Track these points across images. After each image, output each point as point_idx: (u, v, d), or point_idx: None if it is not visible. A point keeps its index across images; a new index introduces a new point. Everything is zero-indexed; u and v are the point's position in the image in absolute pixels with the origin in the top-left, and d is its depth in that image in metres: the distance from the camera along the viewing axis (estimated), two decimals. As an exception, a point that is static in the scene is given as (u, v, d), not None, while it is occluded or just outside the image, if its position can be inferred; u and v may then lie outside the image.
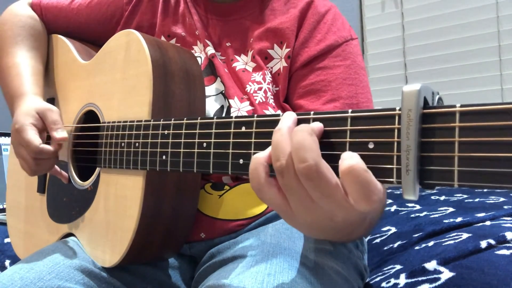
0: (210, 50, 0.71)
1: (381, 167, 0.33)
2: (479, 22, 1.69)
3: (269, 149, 0.37)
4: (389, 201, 1.21)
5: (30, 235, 0.80)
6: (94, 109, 0.69)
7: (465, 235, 0.69)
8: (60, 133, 0.65)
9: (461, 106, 0.29)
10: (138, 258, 0.61)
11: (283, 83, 0.69)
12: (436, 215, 0.91)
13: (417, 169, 0.30)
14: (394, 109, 0.32)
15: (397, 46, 1.87)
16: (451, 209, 0.95)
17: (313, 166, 0.33)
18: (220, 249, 0.62)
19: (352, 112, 0.35)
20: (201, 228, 0.65)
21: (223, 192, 0.65)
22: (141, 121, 0.56)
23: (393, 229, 0.90)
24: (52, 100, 0.80)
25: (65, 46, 0.80)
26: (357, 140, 0.34)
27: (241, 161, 0.42)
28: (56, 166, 0.70)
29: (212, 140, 0.45)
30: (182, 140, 0.49)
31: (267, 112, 0.66)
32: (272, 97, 0.69)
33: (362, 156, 0.33)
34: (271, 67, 0.70)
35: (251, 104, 0.67)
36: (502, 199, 1.02)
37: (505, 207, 0.90)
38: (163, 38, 0.73)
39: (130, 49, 0.62)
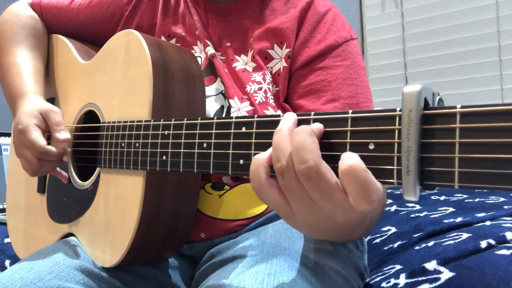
0: (210, 50, 0.71)
1: (381, 168, 0.33)
2: (479, 22, 1.69)
3: (270, 150, 0.37)
4: (389, 201, 1.21)
5: (30, 235, 0.80)
6: (94, 109, 0.69)
7: (465, 235, 0.69)
8: (63, 134, 0.65)
9: (462, 107, 0.29)
10: (138, 258, 0.61)
11: (283, 83, 0.69)
12: (436, 215, 0.91)
13: (417, 170, 0.30)
14: (394, 110, 0.32)
15: (397, 46, 1.87)
16: (451, 209, 0.95)
17: (313, 167, 0.33)
18: (220, 249, 0.62)
19: (352, 112, 0.35)
20: (201, 228, 0.65)
21: (223, 192, 0.65)
22: (141, 121, 0.56)
23: (393, 229, 0.90)
24: (52, 100, 0.80)
25: (65, 46, 0.80)
26: (357, 141, 0.34)
27: (241, 161, 0.42)
28: (56, 167, 0.70)
29: (213, 141, 0.45)
30: (182, 141, 0.49)
31: (267, 112, 0.66)
32: (272, 97, 0.69)
33: (363, 157, 0.33)
34: (271, 67, 0.70)
35: (251, 104, 0.67)
36: (502, 199, 1.02)
37: (505, 207, 0.90)
38: (163, 38, 0.73)
39: (130, 49, 0.62)
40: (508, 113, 0.27)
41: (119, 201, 0.60)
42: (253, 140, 0.41)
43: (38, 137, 0.64)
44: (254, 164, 0.37)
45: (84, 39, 0.83)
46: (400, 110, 0.32)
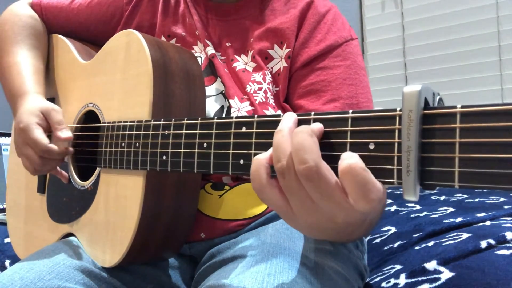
0: (210, 50, 0.71)
1: (381, 167, 0.33)
2: (479, 22, 1.69)
3: (270, 150, 0.37)
4: (389, 201, 1.21)
5: (30, 235, 0.80)
6: (94, 109, 0.69)
7: (465, 235, 0.69)
8: (65, 133, 0.65)
9: (462, 107, 0.29)
10: (138, 258, 0.61)
11: (283, 83, 0.69)
12: (436, 215, 0.91)
13: (417, 170, 0.30)
14: (394, 110, 0.32)
15: (397, 46, 1.87)
16: (451, 209, 0.95)
17: (313, 167, 0.33)
18: (220, 249, 0.62)
19: (352, 112, 0.35)
20: (201, 228, 0.65)
21: (223, 192, 0.65)
22: (141, 121, 0.56)
23: (393, 229, 0.90)
24: (52, 100, 0.80)
25: (65, 46, 0.80)
26: (357, 140, 0.34)
27: (241, 161, 0.42)
28: (57, 166, 0.70)
29: (213, 141, 0.45)
30: (183, 141, 0.49)
31: (267, 112, 0.66)
32: (272, 97, 0.69)
33: (363, 157, 0.33)
34: (271, 67, 0.70)
35: (251, 104, 0.67)
36: (502, 199, 1.02)
37: (505, 207, 0.90)
38: (163, 38, 0.73)
39: (130, 49, 0.62)
40: (508, 113, 0.27)
41: (119, 201, 0.60)
42: (253, 140, 0.41)
43: (40, 135, 0.64)
44: (254, 165, 0.37)
45: (84, 39, 0.83)
46: (400, 110, 0.32)
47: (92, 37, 0.82)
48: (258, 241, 0.58)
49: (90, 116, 0.71)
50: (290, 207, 0.37)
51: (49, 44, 0.84)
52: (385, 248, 0.83)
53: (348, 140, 0.35)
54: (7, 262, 0.91)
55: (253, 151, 0.41)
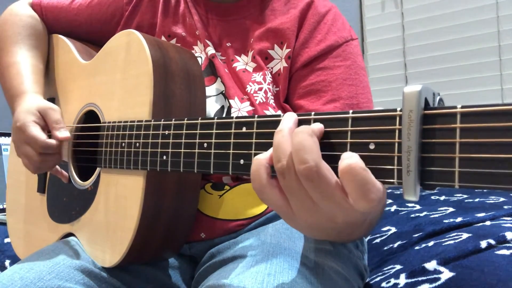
0: (211, 50, 0.71)
1: (381, 167, 0.33)
2: (479, 22, 1.69)
3: (270, 150, 0.37)
4: (389, 201, 1.21)
5: (30, 235, 0.80)
6: (95, 109, 0.69)
7: (465, 235, 0.69)
8: (62, 133, 0.65)
9: (462, 107, 0.29)
10: (138, 258, 0.61)
11: (283, 83, 0.69)
12: (436, 215, 0.91)
13: (418, 170, 0.30)
14: (395, 110, 0.32)
15: (397, 46, 1.87)
16: (451, 209, 0.95)
17: (314, 167, 0.33)
18: (220, 249, 0.62)
19: (353, 113, 0.35)
20: (201, 228, 0.65)
21: (223, 192, 0.65)
22: (141, 121, 0.56)
23: (393, 229, 0.90)
24: (52, 100, 0.80)
25: (65, 46, 0.80)
26: (357, 140, 0.34)
27: (241, 161, 0.42)
28: (56, 166, 0.70)
29: (213, 141, 0.45)
30: (183, 141, 0.49)
31: (268, 113, 0.66)
32: (273, 97, 0.69)
33: (363, 157, 0.33)
34: (271, 68, 0.70)
35: (252, 104, 0.67)
36: (502, 199, 1.02)
37: (505, 207, 0.90)
38: (163, 38, 0.73)
39: (130, 49, 0.63)
40: (508, 113, 0.27)
41: (119, 201, 0.60)
42: (254, 140, 0.41)
43: (38, 132, 0.64)
44: (255, 165, 0.37)
45: (84, 39, 0.83)
46: (401, 110, 0.32)
47: (92, 37, 0.82)
48: (258, 241, 0.58)
49: (90, 116, 0.71)
50: (290, 207, 0.37)
51: (49, 44, 0.84)
52: (385, 248, 0.83)
53: (348, 140, 0.35)
54: (7, 262, 0.91)
55: (253, 151, 0.41)
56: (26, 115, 0.66)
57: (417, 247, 0.74)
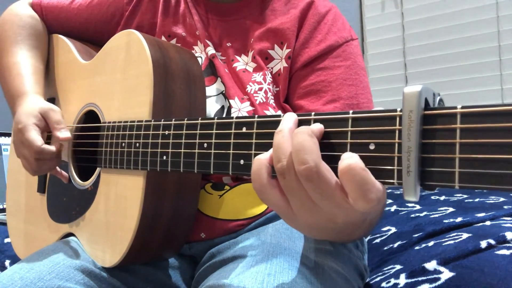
0: (211, 50, 0.71)
1: (382, 168, 0.33)
2: (479, 22, 1.69)
3: (271, 151, 0.37)
4: (389, 201, 1.21)
5: (30, 235, 0.80)
6: (95, 109, 0.69)
7: (465, 235, 0.69)
8: (63, 133, 0.65)
9: (462, 107, 0.29)
10: (138, 258, 0.61)
11: (283, 83, 0.69)
12: (436, 215, 0.91)
13: (418, 170, 0.30)
14: (395, 110, 0.32)
15: (397, 46, 1.87)
16: (451, 209, 0.95)
17: (313, 168, 0.33)
18: (220, 249, 0.62)
19: (353, 113, 0.35)
20: (201, 228, 0.65)
21: (223, 192, 0.65)
22: (141, 121, 0.56)
23: (393, 229, 0.90)
24: (52, 100, 0.80)
25: (65, 46, 0.80)
26: (358, 141, 0.34)
27: (241, 161, 0.42)
28: (56, 167, 0.70)
29: (213, 141, 0.45)
30: (183, 141, 0.49)
31: (268, 113, 0.66)
32: (273, 97, 0.69)
33: (363, 157, 0.33)
34: (272, 68, 0.70)
35: (252, 104, 0.67)
36: (502, 199, 1.02)
37: (505, 207, 0.90)
38: (163, 38, 0.73)
39: (130, 49, 0.63)
40: (508, 114, 0.27)
41: (119, 201, 0.60)
42: (254, 140, 0.41)
43: (35, 136, 0.64)
44: (256, 165, 0.37)
45: (84, 39, 0.83)
46: (401, 111, 0.32)
47: (92, 37, 0.82)
48: (258, 241, 0.58)
49: (90, 116, 0.71)
50: (290, 207, 0.37)
51: (50, 44, 0.84)
52: (385, 248, 0.83)
53: (349, 140, 0.35)
54: (7, 262, 0.91)
55: (253, 151, 0.41)
56: (27, 117, 0.66)
57: (417, 247, 0.74)
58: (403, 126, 0.31)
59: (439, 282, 0.57)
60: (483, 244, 0.62)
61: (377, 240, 0.88)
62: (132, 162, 0.57)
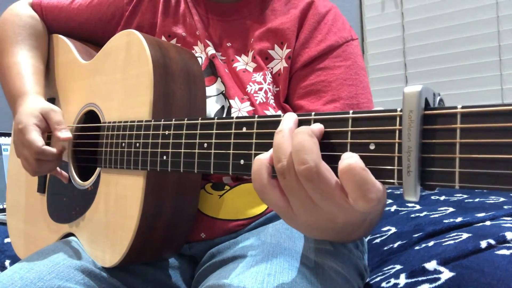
0: (211, 50, 0.71)
1: (382, 168, 0.33)
2: (479, 22, 1.69)
3: (271, 151, 0.37)
4: (389, 201, 1.21)
5: (30, 235, 0.80)
6: (95, 109, 0.69)
7: (465, 235, 0.69)
8: (64, 133, 0.65)
9: (462, 107, 0.29)
10: (138, 258, 0.61)
11: (283, 83, 0.69)
12: (436, 215, 0.91)
13: (418, 170, 0.30)
14: (395, 110, 0.32)
15: (397, 46, 1.87)
16: (451, 209, 0.95)
17: (313, 168, 0.33)
18: (220, 249, 0.62)
19: (353, 113, 0.35)
20: (201, 228, 0.65)
21: (223, 192, 0.65)
22: (141, 121, 0.56)
23: (393, 229, 0.90)
24: (52, 100, 0.80)
25: (65, 46, 0.80)
26: (358, 141, 0.34)
27: (242, 161, 0.42)
28: (56, 167, 0.70)
29: (213, 141, 0.45)
30: (183, 141, 0.49)
31: (268, 113, 0.66)
32: (273, 97, 0.69)
33: (363, 157, 0.33)
34: (272, 68, 0.70)
35: (252, 104, 0.67)
36: (502, 199, 1.02)
37: (505, 207, 0.90)
38: (163, 38, 0.73)
39: (130, 49, 0.63)
40: (508, 113, 0.27)
41: (119, 201, 0.60)
42: (254, 140, 0.41)
43: (36, 137, 0.64)
44: (256, 165, 0.37)
45: (84, 39, 0.83)
46: (401, 111, 0.32)
47: (92, 37, 0.82)
48: (258, 241, 0.58)
49: (90, 116, 0.71)
50: (290, 207, 0.37)
51: (50, 44, 0.84)
52: (385, 248, 0.83)
53: (349, 140, 0.35)
54: (7, 262, 0.91)
55: (253, 152, 0.41)
56: (28, 117, 0.66)
57: (417, 247, 0.74)
58: (403, 126, 0.31)
59: (439, 282, 0.57)
60: (483, 244, 0.62)
61: (377, 240, 0.88)
62: (132, 162, 0.57)
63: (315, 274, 0.50)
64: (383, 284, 0.65)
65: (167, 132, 0.51)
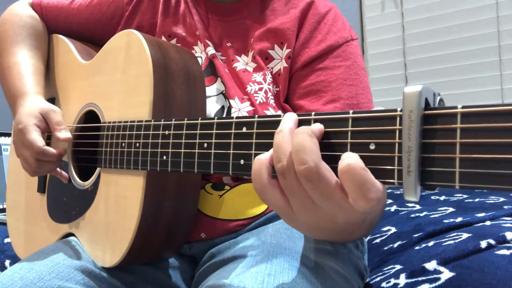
0: (211, 50, 0.71)
1: (382, 168, 0.33)
2: (479, 22, 1.69)
3: (271, 151, 0.37)
4: (389, 201, 1.21)
5: (30, 235, 0.80)
6: (95, 109, 0.69)
7: (465, 235, 0.69)
8: (64, 134, 0.65)
9: (462, 107, 0.29)
10: (138, 258, 0.61)
11: (283, 83, 0.69)
12: (436, 215, 0.91)
13: (418, 170, 0.30)
14: (395, 110, 0.32)
15: (397, 46, 1.87)
16: (451, 209, 0.95)
17: (313, 168, 0.33)
18: (220, 249, 0.62)
19: (353, 113, 0.35)
20: (201, 228, 0.65)
21: (223, 192, 0.65)
22: (141, 121, 0.56)
23: (393, 229, 0.90)
24: (52, 100, 0.80)
25: (65, 46, 0.80)
26: (358, 141, 0.34)
27: (242, 161, 0.42)
28: (56, 168, 0.70)
29: (213, 141, 0.45)
30: (183, 141, 0.49)
31: (268, 113, 0.66)
32: (273, 97, 0.69)
33: (363, 157, 0.33)
34: (272, 68, 0.70)
35: (252, 104, 0.67)
36: (502, 199, 1.02)
37: (505, 207, 0.90)
38: (163, 38, 0.73)
39: (130, 49, 0.63)
40: (508, 113, 0.27)
41: (120, 201, 0.60)
42: (254, 140, 0.41)
43: (36, 137, 0.64)
44: (256, 165, 0.37)
45: (84, 39, 0.83)
46: (401, 110, 0.32)
47: (92, 37, 0.82)
48: (258, 241, 0.58)
49: (90, 116, 0.71)
50: (290, 207, 0.37)
51: (50, 44, 0.84)
52: (385, 248, 0.83)
53: (349, 140, 0.35)
54: (7, 262, 0.91)
55: (253, 152, 0.41)
56: (28, 117, 0.66)
57: (417, 247, 0.74)
58: (403, 126, 0.31)
59: (439, 282, 0.57)
60: (483, 244, 0.62)
61: (377, 240, 0.88)
62: (132, 162, 0.57)
63: (315, 274, 0.50)
64: (383, 284, 0.65)
65: (167, 132, 0.51)
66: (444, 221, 0.82)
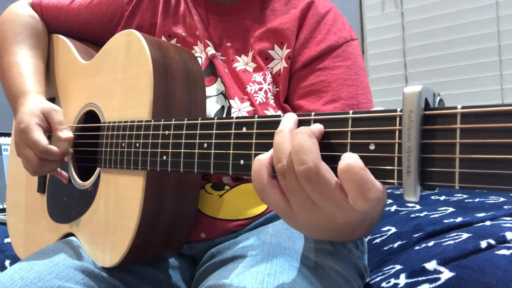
0: (211, 50, 0.71)
1: (382, 168, 0.33)
2: (479, 22, 1.69)
3: (271, 151, 0.37)
4: (389, 201, 1.21)
5: (30, 235, 0.80)
6: (95, 109, 0.69)
7: (465, 235, 0.69)
8: (65, 133, 0.66)
9: (462, 107, 0.29)
10: (138, 258, 0.61)
11: (283, 83, 0.69)
12: (436, 215, 0.91)
13: (418, 171, 0.30)
14: (395, 111, 0.32)
15: (397, 46, 1.87)
16: (451, 209, 0.95)
17: (313, 168, 0.33)
18: (220, 249, 0.62)
19: (353, 113, 0.35)
20: (201, 228, 0.65)
21: (223, 192, 0.65)
22: (141, 121, 0.56)
23: (393, 229, 0.90)
24: (52, 100, 0.80)
25: (65, 46, 0.80)
26: (358, 141, 0.34)
27: (241, 161, 0.42)
28: (57, 168, 0.70)
29: (213, 141, 0.45)
30: (183, 141, 0.49)
31: (268, 113, 0.67)
32: (273, 97, 0.69)
33: (363, 157, 0.33)
34: (272, 68, 0.70)
35: (252, 104, 0.67)
36: (502, 199, 1.02)
37: (505, 207, 0.90)
38: (163, 38, 0.73)
39: (130, 49, 0.63)
40: (508, 114, 0.27)
41: (119, 201, 0.60)
42: (254, 141, 0.41)
43: (40, 136, 0.64)
44: (256, 165, 0.37)
45: (84, 39, 0.83)
46: (401, 111, 0.32)
47: (92, 37, 0.82)
48: (258, 241, 0.58)
49: (90, 116, 0.71)
50: (290, 207, 0.37)
51: (50, 44, 0.84)
52: (385, 248, 0.83)
53: (349, 140, 0.35)
54: (7, 262, 0.91)
55: (253, 152, 0.41)
56: (30, 117, 0.66)
57: (417, 247, 0.74)
58: (403, 126, 0.31)
59: (439, 282, 0.57)
60: (483, 244, 0.62)
61: (377, 240, 0.88)
62: (132, 162, 0.57)
63: (315, 274, 0.50)
64: (383, 284, 0.65)
65: (167, 132, 0.51)
66: (444, 221, 0.82)
